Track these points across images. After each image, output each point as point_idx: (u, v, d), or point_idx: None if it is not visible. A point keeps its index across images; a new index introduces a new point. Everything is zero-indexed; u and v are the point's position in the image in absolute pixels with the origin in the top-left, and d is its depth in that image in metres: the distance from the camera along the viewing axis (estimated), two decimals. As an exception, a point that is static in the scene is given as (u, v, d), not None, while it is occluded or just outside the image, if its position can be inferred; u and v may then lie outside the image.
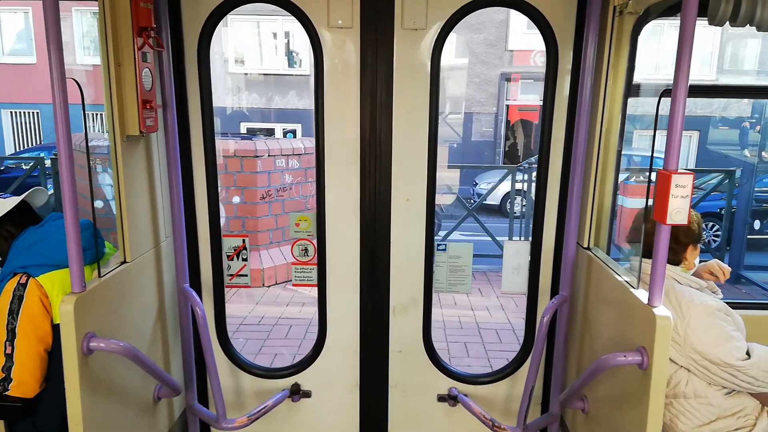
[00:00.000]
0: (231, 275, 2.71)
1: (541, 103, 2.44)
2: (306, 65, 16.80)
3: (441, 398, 2.76)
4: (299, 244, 2.68)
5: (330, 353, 2.72)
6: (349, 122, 2.46)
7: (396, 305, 2.66)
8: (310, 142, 6.68)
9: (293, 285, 2.77)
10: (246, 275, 2.71)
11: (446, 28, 2.38)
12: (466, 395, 2.72)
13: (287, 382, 2.76)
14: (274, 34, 16.95)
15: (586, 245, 2.39)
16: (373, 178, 2.51)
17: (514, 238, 6.94)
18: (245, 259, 2.70)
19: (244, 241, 2.70)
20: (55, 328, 1.96)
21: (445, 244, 2.72)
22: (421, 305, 2.66)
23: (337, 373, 2.73)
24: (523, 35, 16.02)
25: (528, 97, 16.52)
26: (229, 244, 2.68)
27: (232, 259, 2.70)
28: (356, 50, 2.40)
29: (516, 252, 2.70)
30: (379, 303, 2.64)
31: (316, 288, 2.67)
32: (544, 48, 2.39)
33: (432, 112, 2.45)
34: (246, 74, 16.64)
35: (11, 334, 1.92)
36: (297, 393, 2.74)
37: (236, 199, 6.07)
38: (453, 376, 2.75)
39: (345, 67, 2.42)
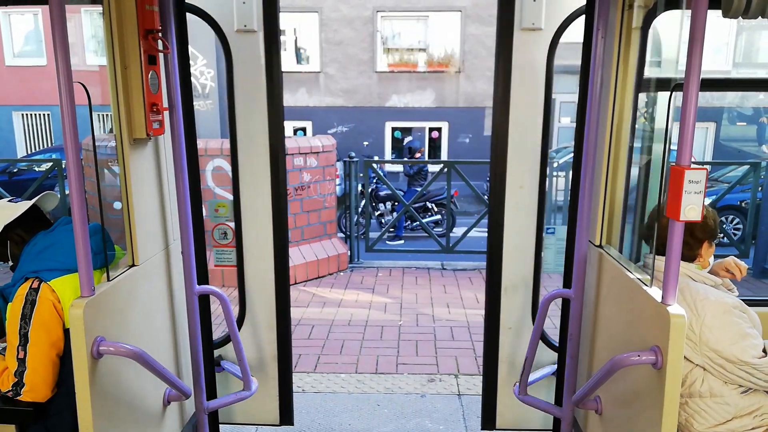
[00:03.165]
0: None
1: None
2: (315, 62, 16.80)
3: None
4: (219, 228, 2.88)
5: (249, 328, 2.87)
6: (257, 119, 2.64)
7: (508, 285, 2.76)
8: (328, 140, 6.67)
9: (215, 266, 2.98)
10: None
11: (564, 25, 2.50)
12: None
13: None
14: (282, 31, 16.94)
15: (597, 243, 2.36)
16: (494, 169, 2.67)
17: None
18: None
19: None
20: (67, 333, 1.96)
21: (554, 228, 2.91)
22: (531, 284, 2.77)
23: (256, 346, 2.90)
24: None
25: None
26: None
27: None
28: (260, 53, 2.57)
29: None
30: (494, 282, 2.76)
31: (236, 268, 2.85)
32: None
33: (546, 107, 2.59)
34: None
35: (24, 339, 1.93)
36: (218, 365, 2.90)
37: None
38: (558, 350, 2.82)
39: (253, 70, 2.59)
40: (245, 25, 2.57)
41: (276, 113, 2.63)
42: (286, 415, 2.98)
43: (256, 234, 2.79)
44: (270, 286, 2.83)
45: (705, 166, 1.63)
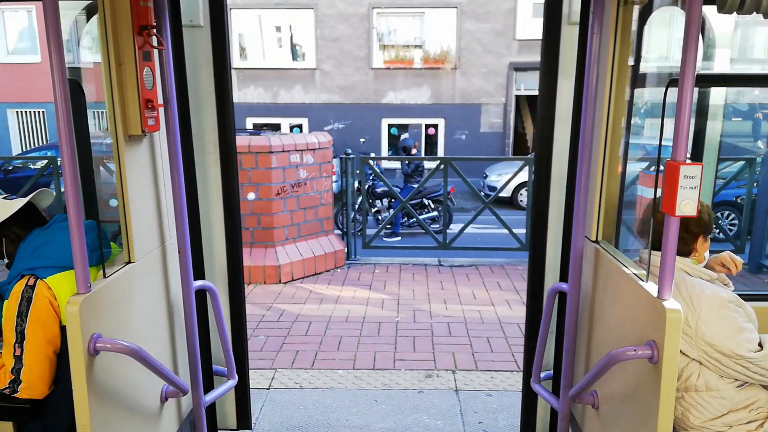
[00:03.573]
0: None
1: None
2: (310, 58, 16.77)
3: None
4: None
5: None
6: (207, 117, 2.67)
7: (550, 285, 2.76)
8: (324, 137, 6.66)
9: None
10: None
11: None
12: None
13: None
14: (278, 27, 16.90)
15: (594, 238, 2.37)
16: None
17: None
18: None
19: None
20: (64, 330, 1.96)
21: None
22: None
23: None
24: (531, 23, 15.84)
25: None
26: None
27: None
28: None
29: None
30: (536, 282, 2.77)
31: None
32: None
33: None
34: (250, 68, 16.62)
35: (20, 336, 1.93)
36: None
37: (251, 196, 6.06)
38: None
39: (201, 66, 2.59)
40: (191, 21, 2.54)
41: (225, 110, 2.61)
42: (244, 419, 2.97)
43: (207, 233, 2.77)
44: (223, 286, 2.81)
45: (700, 162, 1.64)
